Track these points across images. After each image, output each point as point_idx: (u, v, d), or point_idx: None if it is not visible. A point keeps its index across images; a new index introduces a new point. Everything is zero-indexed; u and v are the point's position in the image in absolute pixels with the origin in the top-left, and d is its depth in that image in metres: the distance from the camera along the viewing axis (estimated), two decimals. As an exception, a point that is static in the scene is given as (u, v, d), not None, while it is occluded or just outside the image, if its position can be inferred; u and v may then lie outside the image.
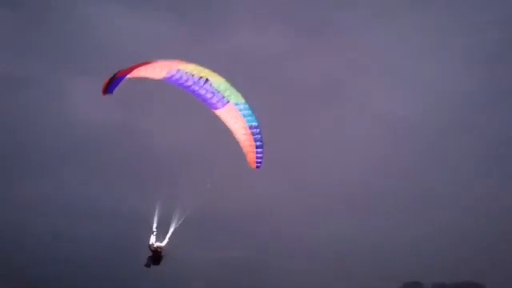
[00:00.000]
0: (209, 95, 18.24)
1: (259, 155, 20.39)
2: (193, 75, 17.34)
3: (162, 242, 19.27)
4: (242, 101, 18.80)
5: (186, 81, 17.36)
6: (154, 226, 19.88)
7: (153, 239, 19.30)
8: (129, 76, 15.56)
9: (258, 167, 21.02)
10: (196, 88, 17.96)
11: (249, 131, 19.31)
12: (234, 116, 19.08)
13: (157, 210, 20.16)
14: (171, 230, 19.66)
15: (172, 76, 16.94)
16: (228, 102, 18.55)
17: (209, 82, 17.86)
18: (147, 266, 18.87)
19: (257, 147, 20.09)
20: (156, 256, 18.69)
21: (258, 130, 19.46)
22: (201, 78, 17.50)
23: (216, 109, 19.12)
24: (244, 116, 18.86)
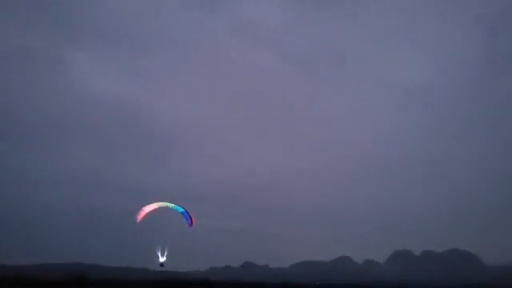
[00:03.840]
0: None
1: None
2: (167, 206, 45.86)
3: (163, 258, 44.94)
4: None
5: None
6: (161, 259, 44.88)
7: (161, 260, 44.73)
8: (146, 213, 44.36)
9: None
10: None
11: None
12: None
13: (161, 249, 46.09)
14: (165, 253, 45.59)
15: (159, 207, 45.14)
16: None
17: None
18: (161, 265, 45.06)
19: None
20: (162, 264, 44.80)
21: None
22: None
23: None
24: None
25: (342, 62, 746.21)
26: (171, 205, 45.31)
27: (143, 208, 43.20)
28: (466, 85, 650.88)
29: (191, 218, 45.44)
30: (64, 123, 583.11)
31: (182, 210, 45.50)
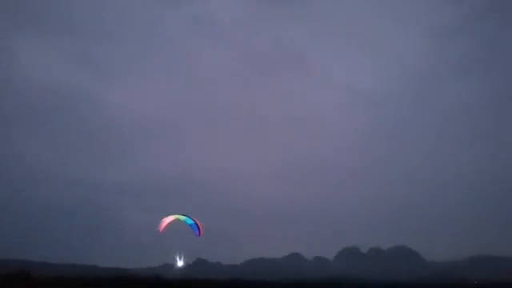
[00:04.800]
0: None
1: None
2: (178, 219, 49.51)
3: (181, 262, 52.26)
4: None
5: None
6: (179, 263, 52.60)
7: (179, 264, 52.96)
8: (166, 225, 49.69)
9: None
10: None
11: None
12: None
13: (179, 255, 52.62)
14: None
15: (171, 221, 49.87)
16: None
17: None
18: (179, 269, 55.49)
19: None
20: (179, 268, 51.69)
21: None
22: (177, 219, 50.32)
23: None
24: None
25: (302, 62, 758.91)
26: (182, 217, 49.50)
27: (163, 220, 48.65)
28: (414, 90, 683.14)
29: (199, 229, 49.39)
30: (7, 112, 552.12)
31: (191, 222, 49.79)
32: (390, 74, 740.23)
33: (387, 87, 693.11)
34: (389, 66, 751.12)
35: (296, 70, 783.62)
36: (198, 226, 49.51)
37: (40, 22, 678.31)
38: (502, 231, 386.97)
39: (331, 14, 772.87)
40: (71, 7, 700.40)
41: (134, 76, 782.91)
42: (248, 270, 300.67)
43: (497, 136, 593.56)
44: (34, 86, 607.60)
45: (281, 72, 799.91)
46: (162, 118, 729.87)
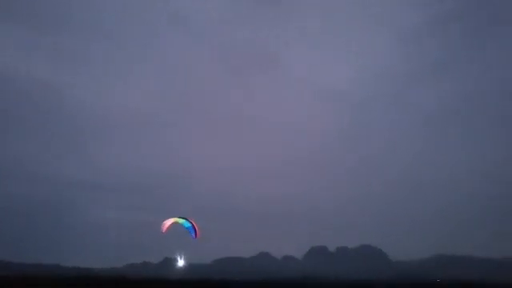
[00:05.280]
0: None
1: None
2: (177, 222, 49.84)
3: (181, 261, 53.70)
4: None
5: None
6: (180, 262, 54.00)
7: (179, 263, 54.16)
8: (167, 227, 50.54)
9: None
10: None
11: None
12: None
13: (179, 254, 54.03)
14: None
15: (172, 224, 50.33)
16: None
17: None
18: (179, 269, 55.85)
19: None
20: (179, 267, 53.15)
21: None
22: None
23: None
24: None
25: (275, 62, 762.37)
26: (181, 220, 51.36)
27: (164, 222, 51.15)
28: (388, 92, 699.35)
29: (195, 232, 51.29)
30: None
31: (189, 225, 51.39)
32: (364, 76, 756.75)
33: (362, 88, 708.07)
34: (363, 68, 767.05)
35: (269, 70, 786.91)
36: (194, 229, 51.16)
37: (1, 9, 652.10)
38: (465, 231, 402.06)
39: (306, 16, 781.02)
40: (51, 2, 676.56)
41: (107, 70, 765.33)
42: (217, 270, 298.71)
43: (464, 136, 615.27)
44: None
45: (254, 72, 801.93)
46: (135, 113, 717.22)
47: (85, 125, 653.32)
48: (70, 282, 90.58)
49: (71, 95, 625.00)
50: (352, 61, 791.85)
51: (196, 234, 51.23)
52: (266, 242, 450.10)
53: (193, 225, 51.20)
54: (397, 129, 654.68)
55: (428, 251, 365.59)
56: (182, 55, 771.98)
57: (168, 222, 50.87)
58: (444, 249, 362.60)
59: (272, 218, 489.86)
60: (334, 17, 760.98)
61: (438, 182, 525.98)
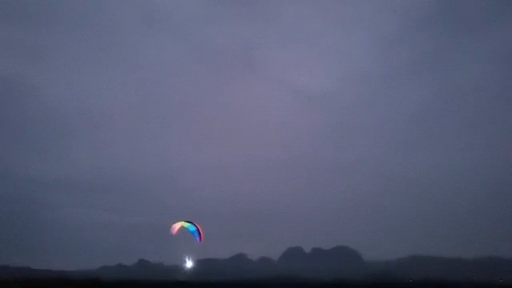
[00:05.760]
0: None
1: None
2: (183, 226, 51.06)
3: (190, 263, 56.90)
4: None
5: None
6: (188, 264, 56.75)
7: (188, 265, 56.71)
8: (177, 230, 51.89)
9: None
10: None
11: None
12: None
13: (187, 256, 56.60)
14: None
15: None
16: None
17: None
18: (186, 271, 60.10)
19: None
20: (187, 269, 54.55)
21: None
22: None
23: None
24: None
25: (251, 62, 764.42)
26: (186, 224, 52.32)
27: (173, 225, 52.22)
28: (361, 93, 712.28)
29: (200, 236, 52.37)
30: None
31: (194, 229, 52.52)
32: (338, 77, 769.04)
33: (335, 89, 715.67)
34: (337, 69, 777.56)
35: (244, 69, 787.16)
36: (199, 233, 52.05)
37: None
38: (437, 232, 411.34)
39: (280, 16, 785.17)
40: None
41: (79, 69, 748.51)
42: (192, 272, 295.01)
43: (443, 136, 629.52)
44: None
45: (229, 70, 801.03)
46: (107, 112, 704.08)
47: (54, 123, 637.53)
48: (41, 285, 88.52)
49: (43, 94, 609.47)
50: (330, 62, 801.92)
51: (200, 238, 52.17)
52: (242, 243, 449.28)
53: (198, 229, 52.17)
54: (372, 130, 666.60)
55: (402, 252, 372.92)
56: (158, 54, 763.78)
57: (177, 226, 52.02)
58: (418, 249, 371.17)
59: (248, 219, 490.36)
60: (310, 19, 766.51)
61: (414, 183, 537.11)
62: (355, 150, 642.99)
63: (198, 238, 51.71)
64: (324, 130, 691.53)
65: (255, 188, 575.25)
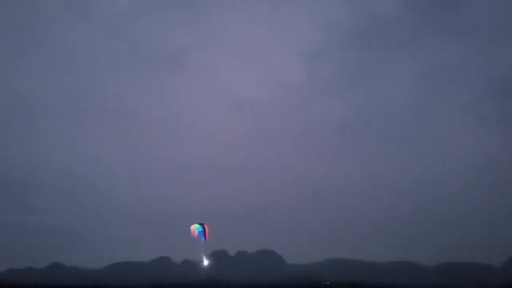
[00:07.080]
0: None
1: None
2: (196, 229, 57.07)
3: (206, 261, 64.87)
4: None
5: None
6: (205, 262, 64.40)
7: (205, 263, 64.57)
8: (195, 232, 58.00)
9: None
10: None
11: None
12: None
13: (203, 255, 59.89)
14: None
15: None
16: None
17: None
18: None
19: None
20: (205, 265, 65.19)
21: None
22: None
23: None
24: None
25: (185, 62, 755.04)
26: (196, 225, 56.11)
27: (192, 228, 55.97)
28: (287, 101, 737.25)
29: (205, 235, 55.93)
30: None
31: (201, 229, 56.01)
32: (267, 84, 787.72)
33: (263, 95, 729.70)
34: (268, 77, 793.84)
35: (177, 70, 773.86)
36: (205, 232, 55.07)
37: None
38: (353, 236, 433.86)
39: (217, 22, 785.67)
40: None
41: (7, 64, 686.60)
42: (111, 275, 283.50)
43: (354, 147, 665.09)
44: None
45: (162, 70, 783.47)
46: (34, 108, 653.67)
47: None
48: None
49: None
50: (261, 70, 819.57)
51: (206, 238, 55.93)
52: (166, 245, 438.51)
53: (204, 229, 55.59)
54: (296, 137, 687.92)
55: (322, 255, 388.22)
56: (88, 48, 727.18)
57: (192, 228, 56.33)
58: (337, 253, 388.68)
59: (172, 221, 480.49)
60: (245, 28, 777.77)
61: (333, 188, 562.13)
62: (278, 156, 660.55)
63: (202, 238, 55.40)
64: (252, 132, 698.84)
65: (177, 191, 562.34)
